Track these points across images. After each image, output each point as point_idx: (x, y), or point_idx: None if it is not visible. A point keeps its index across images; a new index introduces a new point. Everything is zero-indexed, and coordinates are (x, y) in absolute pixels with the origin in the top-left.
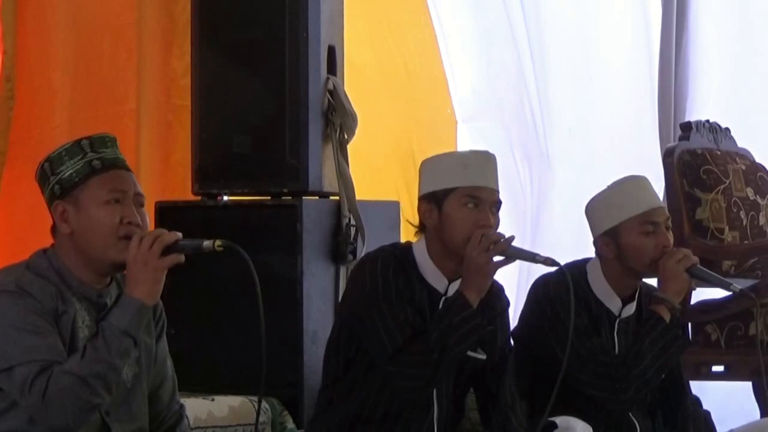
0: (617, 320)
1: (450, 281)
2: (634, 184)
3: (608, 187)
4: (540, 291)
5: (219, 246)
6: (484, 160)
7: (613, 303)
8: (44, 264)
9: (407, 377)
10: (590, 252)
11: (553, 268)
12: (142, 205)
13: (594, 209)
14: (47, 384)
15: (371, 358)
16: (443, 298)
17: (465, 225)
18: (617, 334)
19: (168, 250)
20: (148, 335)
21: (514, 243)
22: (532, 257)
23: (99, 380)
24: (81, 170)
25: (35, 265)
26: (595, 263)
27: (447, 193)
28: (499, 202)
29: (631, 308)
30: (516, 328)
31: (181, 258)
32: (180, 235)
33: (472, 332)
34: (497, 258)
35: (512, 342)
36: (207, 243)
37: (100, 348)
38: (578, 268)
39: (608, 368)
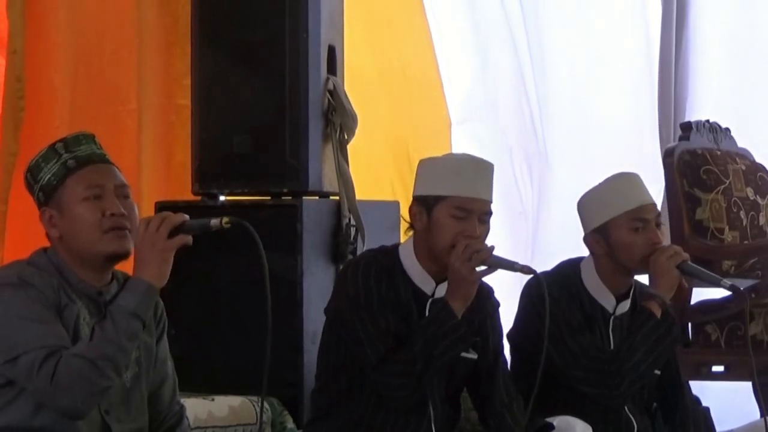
0: (612, 318)
1: (437, 283)
2: (623, 180)
3: (599, 184)
4: (534, 290)
5: (227, 223)
6: (479, 170)
7: (607, 301)
8: (44, 261)
9: (392, 387)
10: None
11: (559, 273)
12: (126, 197)
13: (584, 206)
14: (56, 367)
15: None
16: (430, 300)
17: (451, 233)
18: (612, 331)
19: (175, 231)
20: (149, 336)
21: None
22: (511, 266)
23: (108, 362)
24: (57, 172)
25: (35, 261)
26: (588, 261)
27: (438, 200)
28: (490, 212)
29: (625, 306)
30: (512, 329)
31: (189, 239)
32: (186, 216)
33: (457, 343)
34: (480, 267)
35: (509, 343)
36: (214, 221)
37: (108, 329)
38: (572, 266)
39: (601, 363)
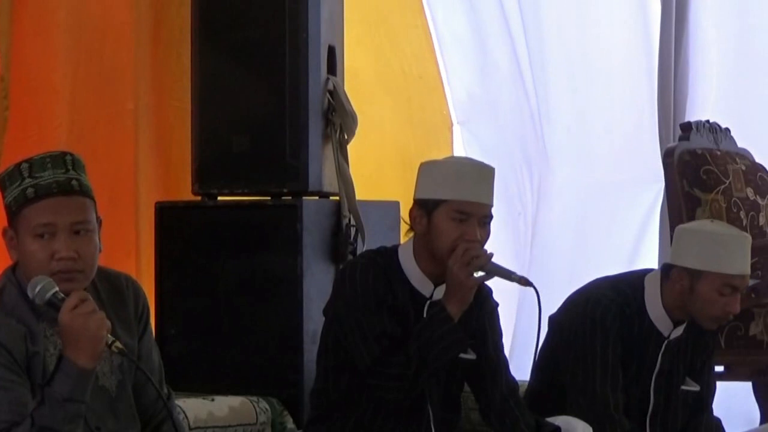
0: (666, 341)
1: (435, 285)
2: (738, 242)
3: (709, 228)
4: (598, 312)
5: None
6: (479, 174)
7: (664, 325)
8: (13, 292)
9: (386, 389)
10: (588, 253)
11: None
12: (79, 232)
13: (689, 242)
14: None
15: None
16: (428, 302)
17: (450, 237)
18: (663, 354)
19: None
20: (130, 336)
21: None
22: (508, 275)
23: None
24: (17, 198)
25: (5, 298)
26: (654, 281)
27: (438, 203)
28: (490, 216)
29: (680, 330)
30: (557, 315)
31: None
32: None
33: (453, 346)
34: (478, 273)
35: (549, 325)
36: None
37: (44, 417)
38: (635, 281)
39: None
